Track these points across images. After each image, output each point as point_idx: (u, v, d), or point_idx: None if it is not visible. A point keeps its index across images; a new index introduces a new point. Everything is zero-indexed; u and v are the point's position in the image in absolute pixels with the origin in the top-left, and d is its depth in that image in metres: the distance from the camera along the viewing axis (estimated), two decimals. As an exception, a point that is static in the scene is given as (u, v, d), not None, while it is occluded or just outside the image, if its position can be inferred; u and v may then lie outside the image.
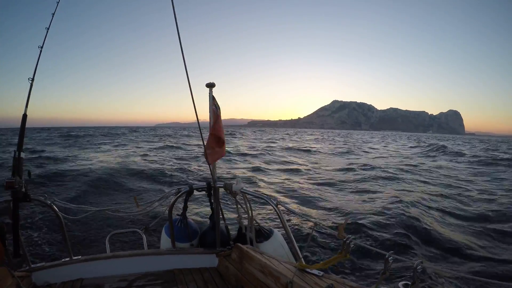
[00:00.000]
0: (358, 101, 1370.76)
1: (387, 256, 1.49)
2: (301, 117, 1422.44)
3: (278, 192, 10.88)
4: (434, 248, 5.80)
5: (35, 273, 2.53)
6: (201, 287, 2.51)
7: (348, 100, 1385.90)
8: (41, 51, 2.52)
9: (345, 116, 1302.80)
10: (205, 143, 2.74)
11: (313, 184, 12.59)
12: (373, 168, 17.65)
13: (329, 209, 8.50)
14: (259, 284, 2.19)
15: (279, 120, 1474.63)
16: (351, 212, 8.03)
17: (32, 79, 2.40)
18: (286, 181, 13.21)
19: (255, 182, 12.52)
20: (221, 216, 2.97)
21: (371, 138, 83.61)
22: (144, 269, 2.78)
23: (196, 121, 2.77)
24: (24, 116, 2.33)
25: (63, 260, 2.71)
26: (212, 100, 2.77)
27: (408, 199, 9.39)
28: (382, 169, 16.92)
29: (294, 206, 8.60)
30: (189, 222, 3.05)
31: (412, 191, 11.12)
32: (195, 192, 2.95)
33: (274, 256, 2.38)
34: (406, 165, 20.17)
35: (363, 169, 17.16)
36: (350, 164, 20.18)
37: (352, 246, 1.71)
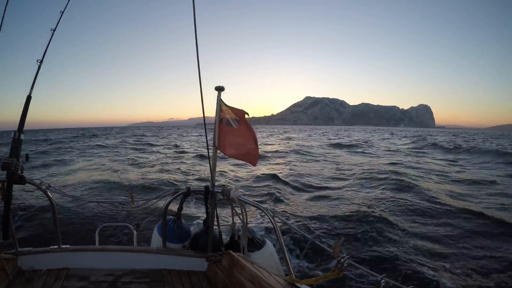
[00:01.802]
0: (331, 97, 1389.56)
1: (379, 279, 1.49)
2: (274, 113, 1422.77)
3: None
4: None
5: (22, 257, 2.55)
6: None
7: (321, 96, 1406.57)
8: (53, 34, 2.56)
9: (317, 112, 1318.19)
10: (212, 142, 2.85)
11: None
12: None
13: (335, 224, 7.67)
14: None
15: (252, 117, 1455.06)
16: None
17: (41, 61, 2.45)
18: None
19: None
20: (215, 221, 2.96)
21: (372, 135, 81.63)
22: (132, 265, 2.77)
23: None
24: (28, 97, 2.37)
25: (51, 247, 2.71)
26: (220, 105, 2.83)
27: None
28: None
29: (292, 218, 7.95)
30: (182, 223, 3.02)
31: None
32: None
33: (265, 267, 2.36)
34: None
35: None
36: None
37: (346, 265, 1.69)
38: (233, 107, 2.86)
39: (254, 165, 2.86)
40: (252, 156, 2.83)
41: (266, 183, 12.19)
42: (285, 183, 12.39)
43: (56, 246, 2.72)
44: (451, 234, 6.83)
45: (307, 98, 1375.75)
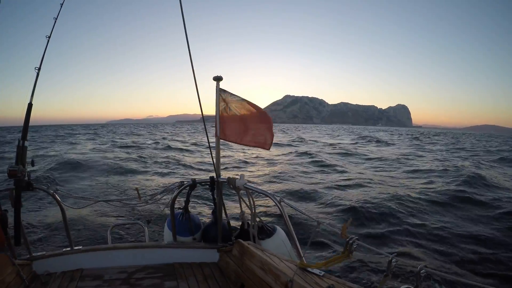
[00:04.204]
0: (310, 95, 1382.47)
1: (390, 258, 1.49)
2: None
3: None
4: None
5: (36, 262, 2.60)
6: (201, 282, 2.55)
7: (300, 95, 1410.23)
8: (48, 41, 2.53)
9: (297, 111, 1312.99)
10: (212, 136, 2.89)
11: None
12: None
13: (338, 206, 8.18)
14: (259, 282, 2.20)
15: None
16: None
17: (39, 69, 2.43)
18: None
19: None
20: (224, 212, 2.99)
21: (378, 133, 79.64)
22: (144, 261, 2.82)
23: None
24: (30, 105, 2.36)
25: (63, 249, 2.76)
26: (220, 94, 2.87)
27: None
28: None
29: (298, 203, 8.43)
30: (192, 216, 3.06)
31: None
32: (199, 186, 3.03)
33: (276, 253, 2.38)
34: None
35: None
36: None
37: (355, 246, 1.69)
38: (235, 95, 2.89)
39: (268, 149, 2.86)
40: (263, 141, 2.84)
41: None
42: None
43: (68, 248, 2.75)
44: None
45: (287, 96, 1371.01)
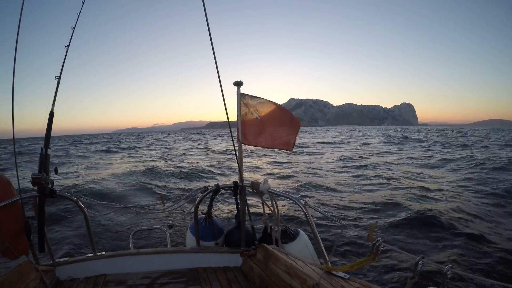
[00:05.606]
0: (314, 98, 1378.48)
1: (417, 260, 1.47)
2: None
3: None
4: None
5: (59, 268, 2.60)
6: (224, 286, 2.53)
7: (305, 98, 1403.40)
8: (67, 50, 2.53)
9: (302, 113, 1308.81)
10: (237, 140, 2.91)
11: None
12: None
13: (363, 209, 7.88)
14: (285, 286, 2.19)
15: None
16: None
17: (59, 77, 2.44)
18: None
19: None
20: (247, 216, 2.98)
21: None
22: (168, 266, 2.81)
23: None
24: (51, 113, 2.38)
25: (87, 255, 2.77)
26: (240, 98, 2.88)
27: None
28: None
29: (322, 206, 8.28)
30: (214, 221, 3.05)
31: None
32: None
33: (300, 257, 2.37)
34: None
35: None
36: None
37: (381, 249, 1.67)
38: (256, 98, 2.89)
39: (291, 150, 2.88)
40: (286, 141, 2.85)
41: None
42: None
43: (92, 254, 2.75)
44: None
45: (291, 100, 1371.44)
